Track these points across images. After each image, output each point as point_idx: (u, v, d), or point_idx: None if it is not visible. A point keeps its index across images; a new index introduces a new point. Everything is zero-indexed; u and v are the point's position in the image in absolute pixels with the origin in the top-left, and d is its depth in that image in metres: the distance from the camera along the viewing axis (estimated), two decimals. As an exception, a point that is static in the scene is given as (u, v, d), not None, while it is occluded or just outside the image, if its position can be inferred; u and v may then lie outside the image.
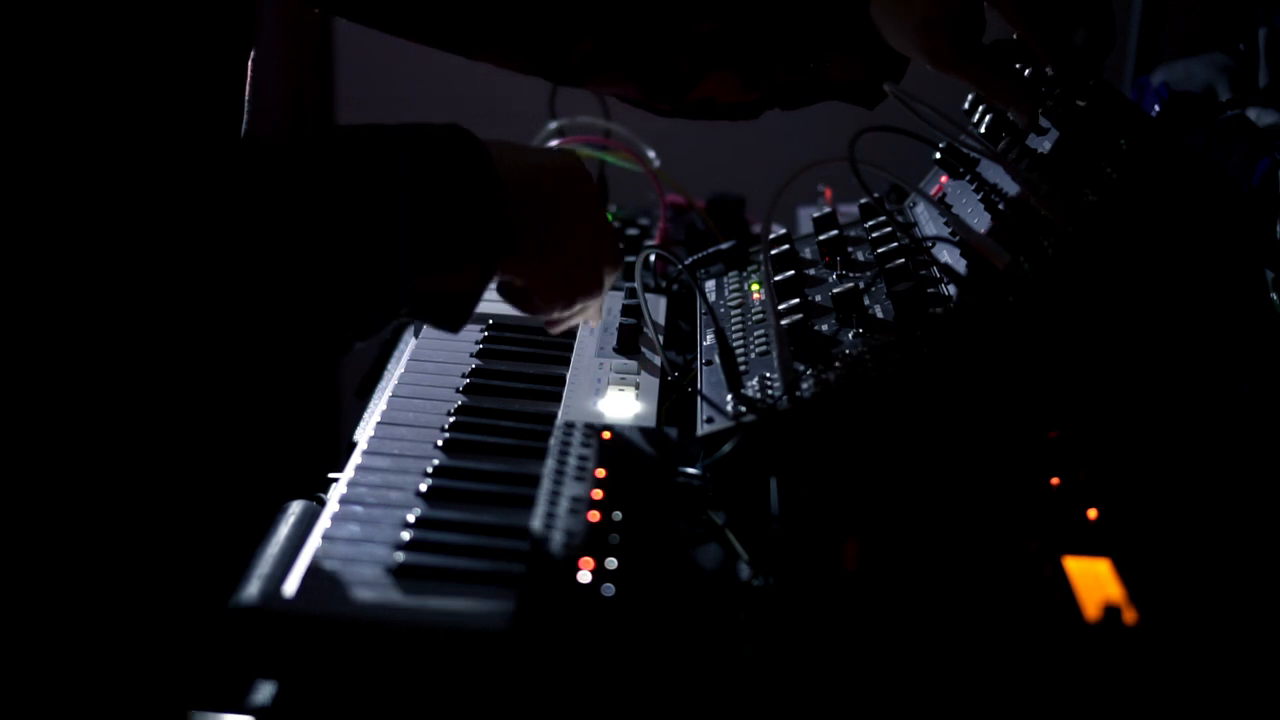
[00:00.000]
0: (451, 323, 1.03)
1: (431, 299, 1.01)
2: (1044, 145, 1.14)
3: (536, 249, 1.05)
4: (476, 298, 1.02)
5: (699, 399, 1.08)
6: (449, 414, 1.07)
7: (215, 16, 0.99)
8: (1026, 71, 1.19)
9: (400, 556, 0.90)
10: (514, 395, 1.12)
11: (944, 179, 1.26)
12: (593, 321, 1.17)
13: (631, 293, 1.26)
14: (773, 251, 1.25)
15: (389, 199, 0.97)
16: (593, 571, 0.87)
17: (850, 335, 1.08)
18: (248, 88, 1.06)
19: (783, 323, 1.10)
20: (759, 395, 1.05)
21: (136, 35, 0.92)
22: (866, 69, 1.18)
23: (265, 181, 0.94)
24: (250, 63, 1.06)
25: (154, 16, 0.93)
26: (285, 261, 0.94)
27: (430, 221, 0.98)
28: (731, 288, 1.27)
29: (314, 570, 0.88)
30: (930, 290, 1.08)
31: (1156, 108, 1.52)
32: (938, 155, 1.24)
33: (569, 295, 1.10)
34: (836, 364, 1.04)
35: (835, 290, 1.12)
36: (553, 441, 1.01)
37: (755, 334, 1.15)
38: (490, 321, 1.24)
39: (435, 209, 0.98)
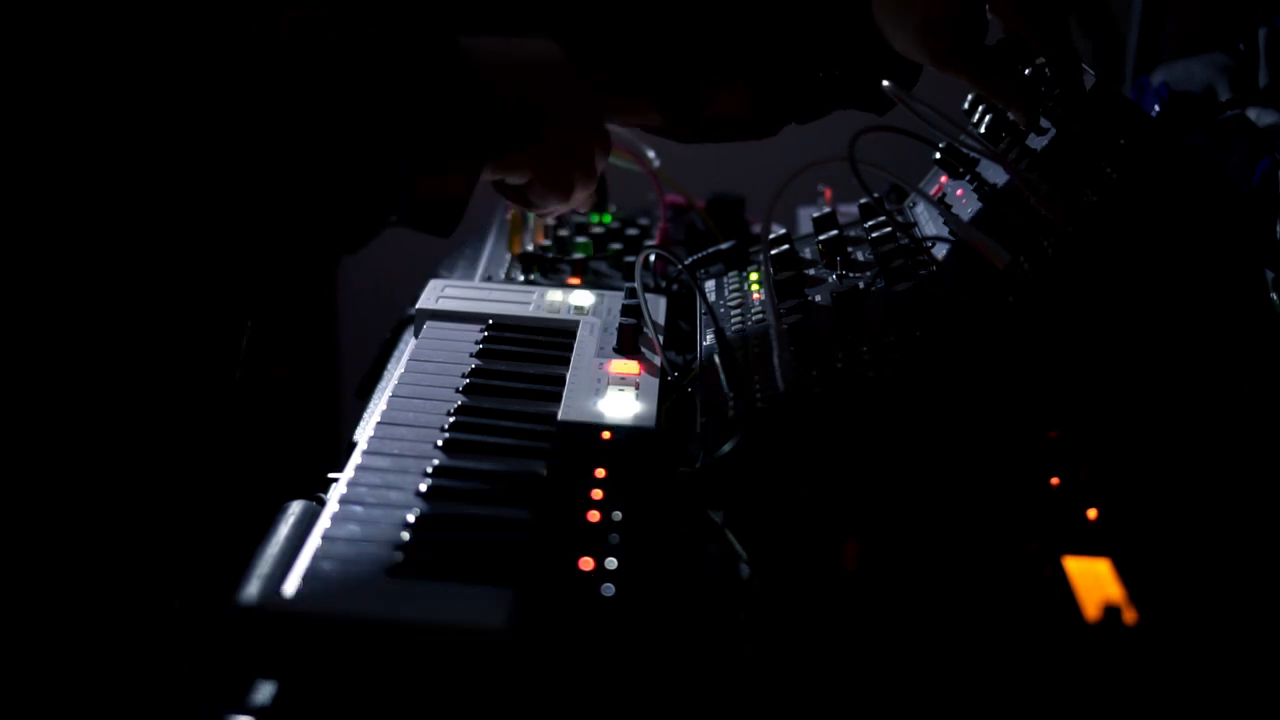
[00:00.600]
0: (442, 228, 1.04)
1: (420, 204, 1.02)
2: (1044, 145, 1.14)
3: (528, 143, 1.07)
4: (465, 201, 1.03)
5: (699, 399, 1.08)
6: (449, 414, 1.07)
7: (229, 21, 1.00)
8: (1026, 71, 1.20)
9: (400, 556, 0.90)
10: (514, 395, 1.12)
11: (944, 179, 1.26)
12: (582, 207, 1.18)
13: (631, 293, 1.26)
14: (773, 251, 1.25)
15: (369, 106, 0.97)
16: (593, 571, 0.87)
17: (850, 335, 1.08)
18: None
19: (783, 323, 1.10)
20: (759, 395, 1.05)
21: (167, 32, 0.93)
22: (876, 74, 1.18)
23: (246, 90, 0.94)
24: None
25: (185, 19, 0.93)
26: (263, 171, 0.93)
27: (413, 126, 0.99)
28: (731, 288, 1.27)
29: (314, 570, 0.88)
30: (930, 290, 1.08)
31: (1156, 108, 1.52)
32: (938, 155, 1.24)
33: (567, 183, 1.12)
34: (837, 364, 1.04)
35: (835, 290, 1.12)
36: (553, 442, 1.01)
37: (755, 334, 1.15)
38: (490, 321, 1.24)
39: (417, 114, 0.99)
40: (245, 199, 0.93)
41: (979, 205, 1.16)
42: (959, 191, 1.21)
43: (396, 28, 1.01)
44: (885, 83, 1.17)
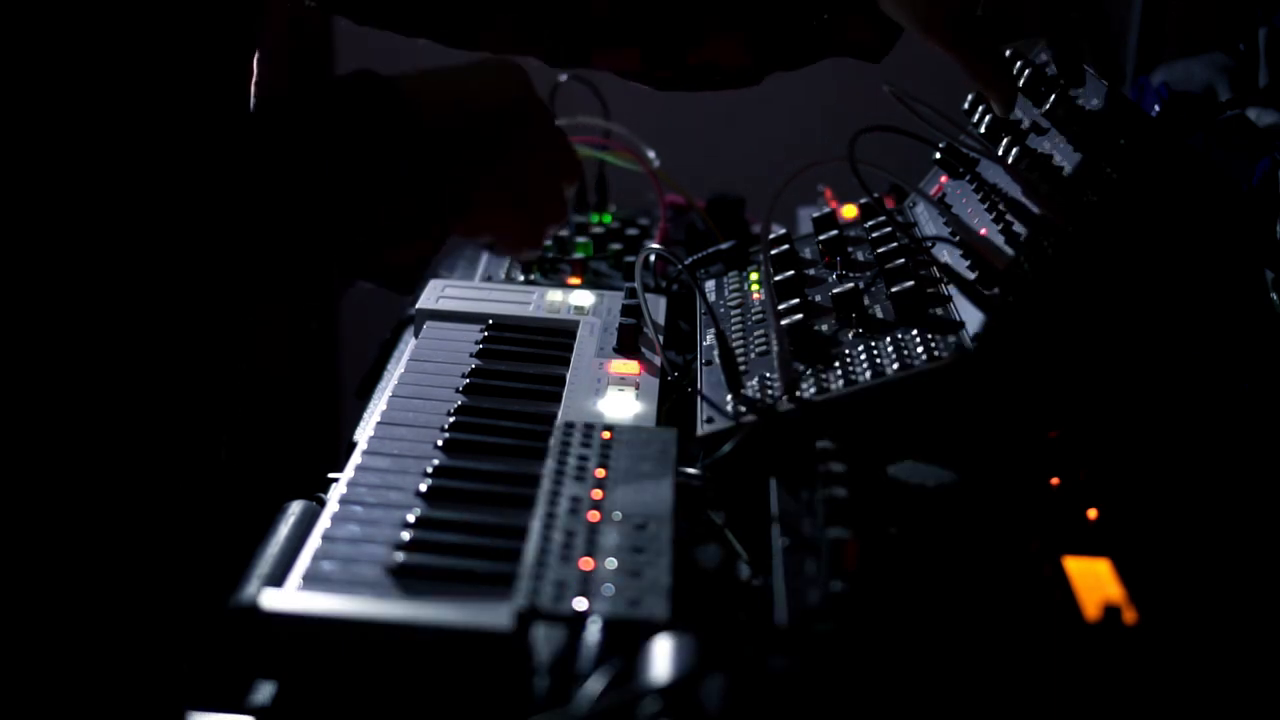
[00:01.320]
0: (403, 288, 1.02)
1: (381, 270, 1.01)
2: (1044, 145, 1.14)
3: (489, 203, 1.03)
4: (426, 264, 1.02)
5: (699, 399, 1.08)
6: (449, 414, 1.07)
7: (221, 18, 0.99)
8: (1018, 65, 1.19)
9: (400, 556, 0.90)
10: (514, 395, 1.12)
11: (944, 179, 1.26)
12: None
13: (631, 293, 1.26)
14: (773, 251, 1.25)
15: (319, 192, 0.94)
16: (593, 571, 0.87)
17: (850, 335, 1.08)
18: (253, 89, 1.06)
19: (783, 323, 1.10)
20: (759, 395, 1.05)
21: (142, 36, 0.92)
22: (874, 25, 1.16)
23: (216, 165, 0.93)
24: (255, 63, 1.06)
25: (160, 18, 0.93)
26: (230, 249, 0.92)
27: (361, 211, 0.95)
28: (731, 288, 1.27)
29: (314, 570, 0.88)
30: (930, 290, 1.08)
31: (1156, 108, 1.52)
32: (938, 155, 1.24)
33: (537, 233, 1.08)
34: (836, 364, 1.04)
35: (835, 290, 1.12)
36: (553, 441, 1.01)
37: (755, 334, 1.15)
38: (490, 321, 1.24)
39: (364, 198, 0.95)
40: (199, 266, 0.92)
41: (979, 205, 1.16)
42: (959, 191, 1.21)
43: (332, 100, 0.97)
44: (886, 87, 1.16)
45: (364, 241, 0.97)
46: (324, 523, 0.93)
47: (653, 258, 1.41)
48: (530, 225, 1.07)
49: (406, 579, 0.88)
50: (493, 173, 1.03)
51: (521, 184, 1.05)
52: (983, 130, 1.22)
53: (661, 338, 1.20)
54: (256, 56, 1.06)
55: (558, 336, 1.22)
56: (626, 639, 0.81)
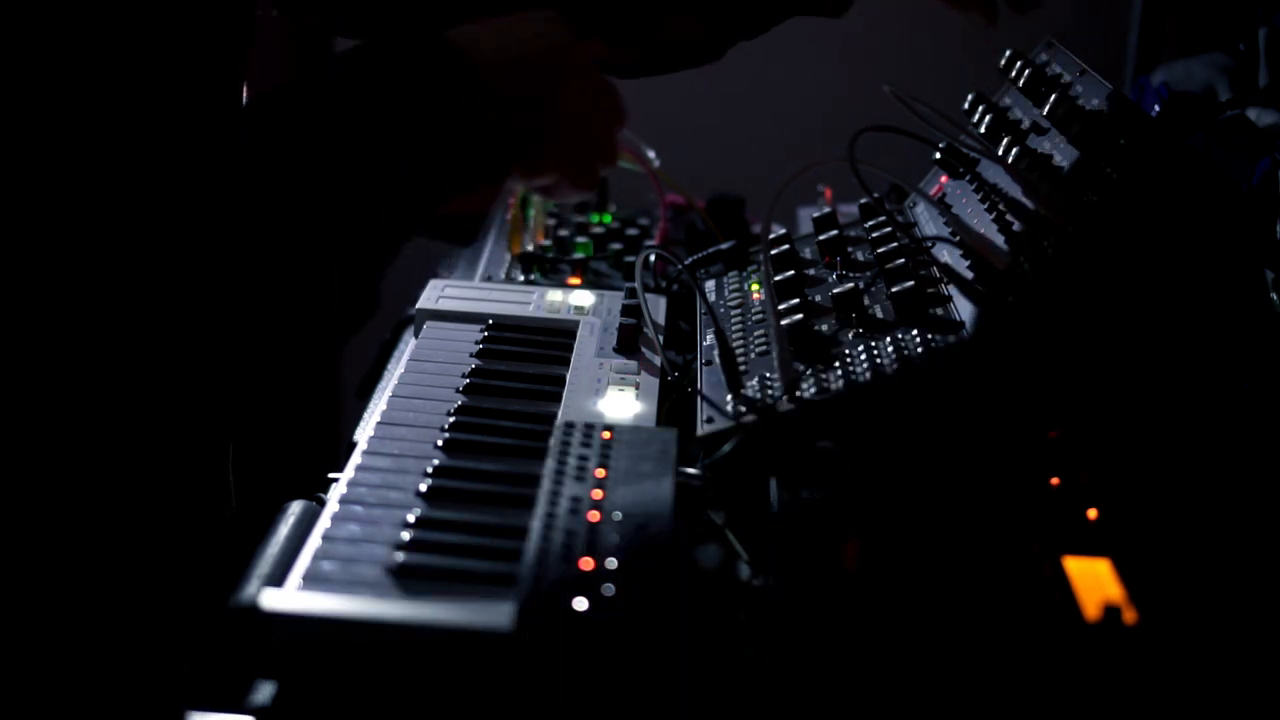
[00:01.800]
0: (465, 239, 1.04)
1: (443, 221, 1.02)
2: (1044, 145, 1.15)
3: (545, 144, 1.06)
4: (486, 213, 1.03)
5: (699, 399, 1.08)
6: (449, 414, 1.07)
7: (214, 14, 0.99)
8: (1018, 64, 1.19)
9: (400, 556, 0.90)
10: (514, 395, 1.12)
11: (944, 179, 1.26)
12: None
13: (631, 293, 1.26)
14: (773, 251, 1.25)
15: (384, 142, 0.96)
16: (593, 571, 0.87)
17: (850, 335, 1.08)
18: (246, 85, 1.06)
19: (783, 323, 1.10)
20: (759, 395, 1.05)
21: (135, 31, 0.92)
22: None
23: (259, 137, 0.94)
24: (250, 59, 1.06)
25: (153, 13, 0.93)
26: (279, 207, 0.93)
27: (427, 160, 0.97)
28: (731, 288, 1.27)
29: (314, 570, 0.88)
30: (930, 290, 1.08)
31: (1156, 108, 1.52)
32: (938, 155, 1.24)
33: (592, 173, 1.11)
34: (836, 364, 1.04)
35: (835, 290, 1.12)
36: (553, 441, 1.01)
37: (755, 334, 1.15)
38: (490, 321, 1.24)
39: (429, 147, 0.97)
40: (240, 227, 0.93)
41: (979, 205, 1.16)
42: (959, 191, 1.21)
43: (401, 49, 1.00)
44: (886, 87, 1.16)
45: (430, 191, 0.98)
46: (324, 523, 0.93)
47: (653, 258, 1.41)
48: (585, 165, 1.10)
49: (407, 579, 0.88)
50: (547, 116, 1.05)
51: (574, 125, 1.07)
52: (983, 130, 1.22)
53: (661, 338, 1.20)
54: (252, 50, 1.06)
55: (558, 336, 1.22)
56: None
